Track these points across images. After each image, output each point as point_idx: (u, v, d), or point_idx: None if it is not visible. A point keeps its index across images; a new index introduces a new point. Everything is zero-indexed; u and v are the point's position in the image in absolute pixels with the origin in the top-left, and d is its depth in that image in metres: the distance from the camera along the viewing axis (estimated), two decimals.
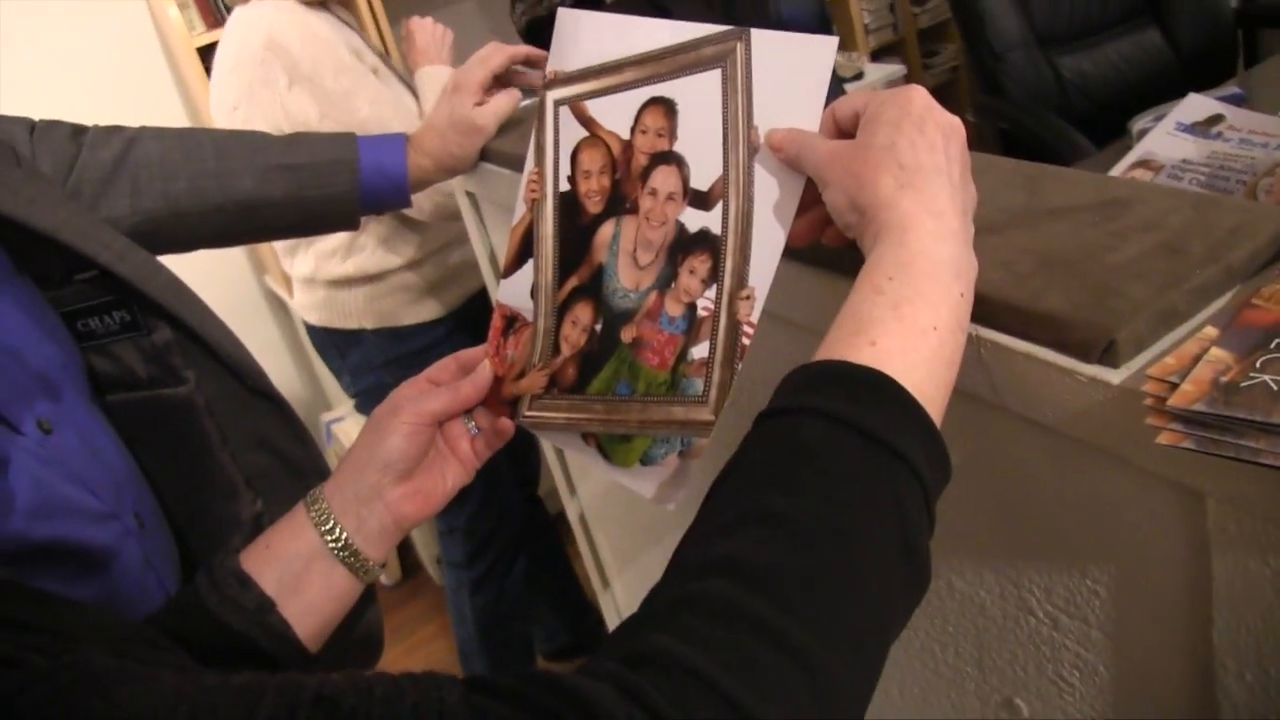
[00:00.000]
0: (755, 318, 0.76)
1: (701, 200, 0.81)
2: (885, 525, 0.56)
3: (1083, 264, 0.69)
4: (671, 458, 0.81)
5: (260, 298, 3.26)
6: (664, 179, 0.83)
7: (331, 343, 1.81)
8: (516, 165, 1.16)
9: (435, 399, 0.88)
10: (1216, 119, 1.67)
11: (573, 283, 0.89)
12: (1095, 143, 2.38)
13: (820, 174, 0.71)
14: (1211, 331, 0.61)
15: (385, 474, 0.85)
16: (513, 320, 0.94)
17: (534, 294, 0.92)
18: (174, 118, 3.04)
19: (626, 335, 0.84)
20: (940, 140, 0.68)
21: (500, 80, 1.21)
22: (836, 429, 0.58)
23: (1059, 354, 0.66)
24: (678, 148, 0.82)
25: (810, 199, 0.75)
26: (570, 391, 0.88)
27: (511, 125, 1.23)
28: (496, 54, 1.19)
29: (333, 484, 0.86)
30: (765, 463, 0.59)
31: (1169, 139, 1.69)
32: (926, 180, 0.66)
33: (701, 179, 0.81)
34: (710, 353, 0.79)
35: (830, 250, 0.77)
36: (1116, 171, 1.64)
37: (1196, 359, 0.59)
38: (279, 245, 1.82)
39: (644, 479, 0.83)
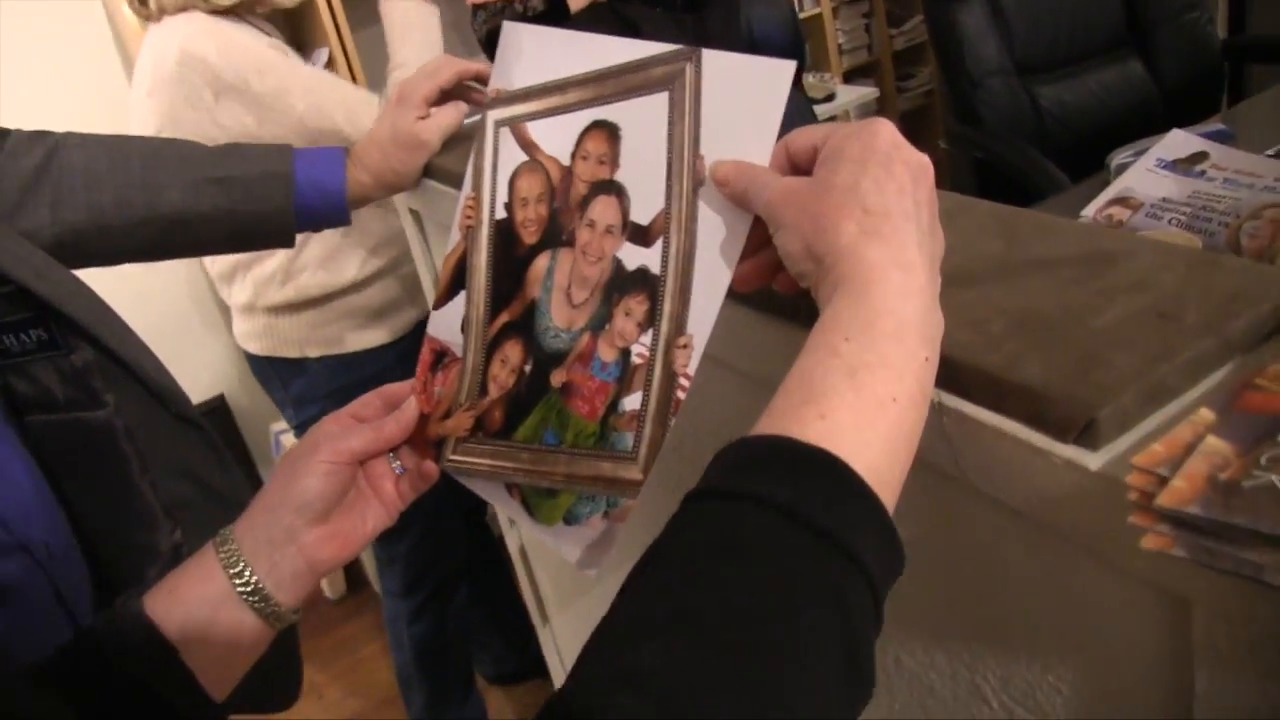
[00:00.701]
0: (692, 369, 0.65)
1: (641, 235, 0.69)
2: (827, 636, 0.45)
3: (1063, 327, 0.58)
4: (596, 518, 0.69)
5: (212, 304, 2.97)
6: (603, 210, 0.72)
7: (274, 372, 1.67)
8: (458, 183, 1.06)
9: (356, 437, 0.77)
10: (1200, 156, 1.55)
11: (504, 318, 0.78)
12: (1072, 176, 2.23)
13: (772, 214, 0.59)
14: (1207, 415, 0.49)
15: (300, 516, 0.74)
16: (442, 355, 0.82)
17: (464, 328, 0.80)
18: (126, 118, 2.82)
19: (556, 379, 0.73)
20: (909, 182, 0.57)
21: (448, 95, 1.09)
22: (776, 521, 0.47)
23: (1032, 430, 0.55)
24: (620, 176, 0.71)
25: (759, 240, 0.64)
26: (496, 436, 0.76)
27: (457, 141, 1.11)
28: (446, 68, 1.07)
29: (244, 524, 0.75)
30: (693, 557, 0.48)
31: (1149, 176, 1.57)
32: (894, 227, 0.54)
33: (642, 212, 0.69)
34: (642, 405, 0.67)
35: (782, 296, 0.65)
36: (1093, 208, 1.53)
37: (1190, 448, 0.48)
38: (214, 273, 1.67)
39: (567, 540, 0.71)
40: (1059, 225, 0.69)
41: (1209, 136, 1.60)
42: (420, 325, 1.68)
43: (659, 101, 0.69)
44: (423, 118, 1.07)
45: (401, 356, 1.67)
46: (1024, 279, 0.64)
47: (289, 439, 2.83)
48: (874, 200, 0.55)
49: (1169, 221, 1.45)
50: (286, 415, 1.75)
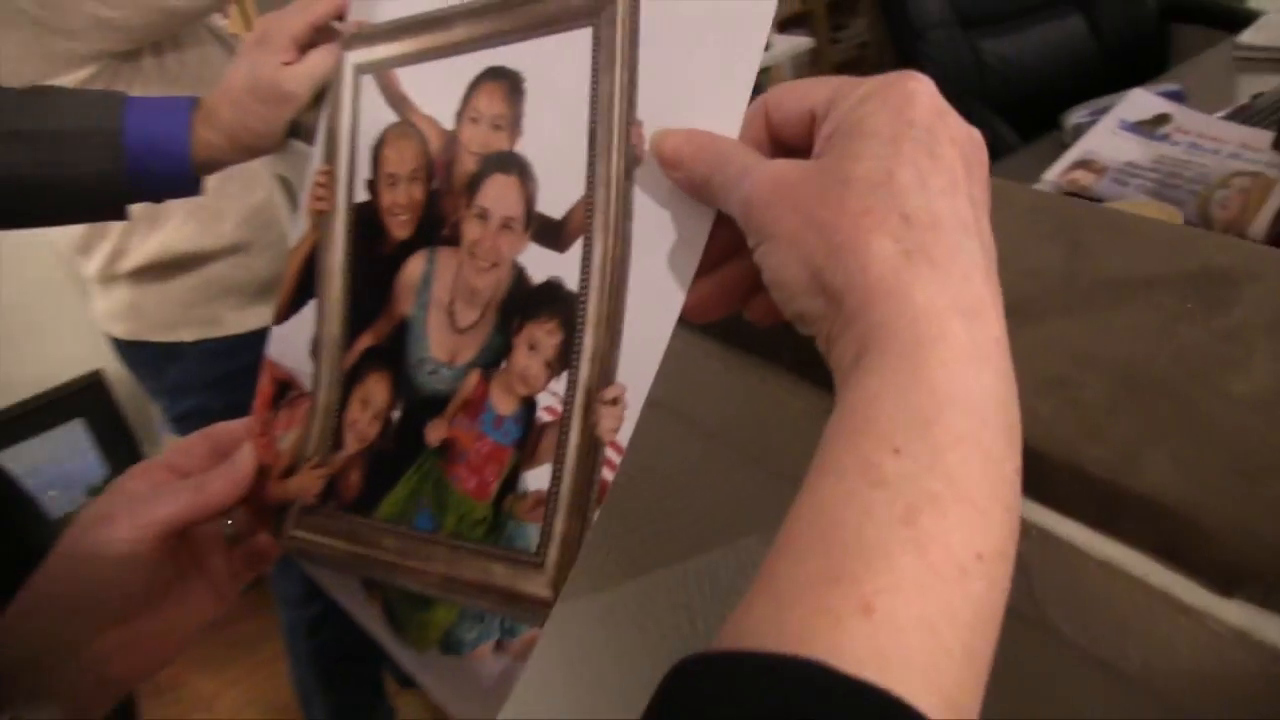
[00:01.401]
0: (624, 436, 0.42)
1: (553, 234, 0.46)
2: None
3: (1189, 392, 0.36)
4: (485, 648, 0.46)
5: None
6: (499, 195, 0.48)
7: (144, 359, 1.38)
8: None
9: (169, 500, 0.53)
10: (1163, 119, 1.41)
11: (366, 342, 0.54)
12: (1019, 135, 2.06)
13: (753, 217, 0.37)
14: None
15: (87, 620, 0.51)
16: (286, 387, 0.58)
17: (315, 352, 0.56)
18: None
19: (434, 435, 0.50)
20: (961, 171, 0.35)
21: (323, 35, 0.83)
22: None
23: (1164, 567, 0.33)
24: (523, 148, 0.48)
25: (725, 247, 0.41)
26: (353, 509, 0.53)
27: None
28: (321, 1, 0.81)
29: (6, 629, 0.52)
30: None
31: (1112, 138, 1.44)
32: (949, 246, 0.32)
33: (555, 200, 0.46)
34: (553, 485, 0.44)
35: (758, 327, 0.43)
36: (1055, 171, 1.38)
37: None
38: (63, 244, 1.36)
39: (443, 677, 0.48)
40: (1136, 225, 0.47)
41: (1164, 96, 1.45)
42: None
43: (579, 41, 0.46)
44: (289, 63, 0.81)
45: None
46: (1108, 310, 0.41)
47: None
48: (917, 202, 0.33)
49: (1135, 188, 1.30)
50: (162, 405, 1.47)
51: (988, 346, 0.31)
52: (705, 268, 0.41)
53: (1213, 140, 1.34)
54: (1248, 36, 1.61)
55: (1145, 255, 0.43)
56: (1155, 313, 0.40)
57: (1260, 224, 1.11)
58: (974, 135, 0.37)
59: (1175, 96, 1.47)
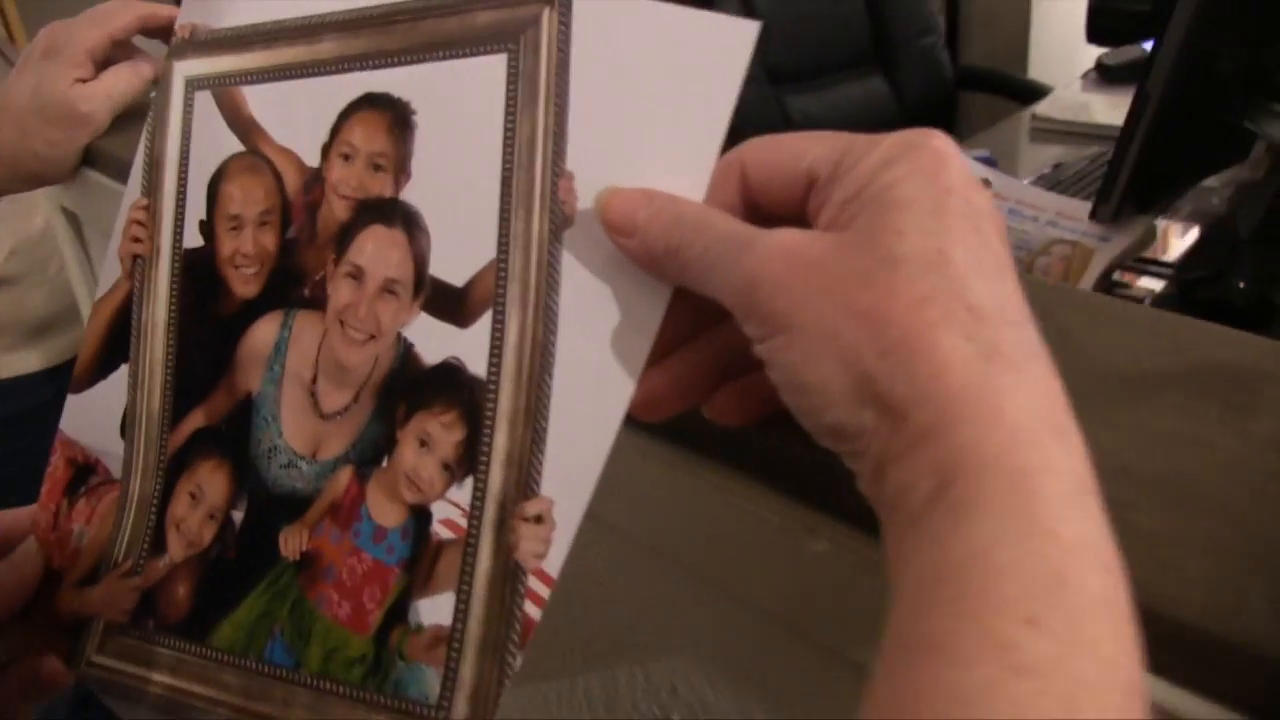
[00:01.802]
0: (555, 564, 0.33)
1: (451, 304, 0.37)
2: None
3: (1261, 518, 0.31)
4: None
5: None
6: (378, 252, 0.38)
7: None
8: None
9: None
10: (984, 184, 1.42)
11: (197, 421, 0.43)
12: None
13: (760, 301, 0.29)
14: None
15: None
16: (86, 471, 0.46)
17: (126, 428, 0.44)
18: None
19: (290, 545, 0.39)
20: (1001, 248, 0.28)
21: (123, 50, 0.70)
22: None
23: None
24: (412, 195, 0.38)
25: (678, 328, 0.33)
26: (178, 633, 0.41)
27: (135, 118, 0.71)
28: (122, 11, 0.68)
29: None
30: None
31: None
32: (1023, 345, 0.26)
33: (453, 263, 0.37)
34: (457, 619, 0.35)
35: (719, 426, 0.35)
36: None
37: None
38: None
39: None
40: (1120, 311, 0.42)
41: (978, 161, 1.48)
42: None
43: (489, 69, 0.37)
44: (83, 80, 0.67)
45: (63, 391, 1.17)
46: (1128, 412, 0.36)
47: None
48: (979, 289, 0.26)
49: None
50: None
51: (1084, 472, 0.24)
52: (656, 354, 0.33)
53: (1031, 207, 1.36)
54: (1043, 109, 1.67)
55: (1143, 347, 0.38)
56: (1184, 418, 0.34)
57: None
58: (992, 203, 0.30)
59: (988, 162, 1.49)
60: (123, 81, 0.69)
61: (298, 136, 0.41)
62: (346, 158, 0.40)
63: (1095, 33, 1.33)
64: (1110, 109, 1.57)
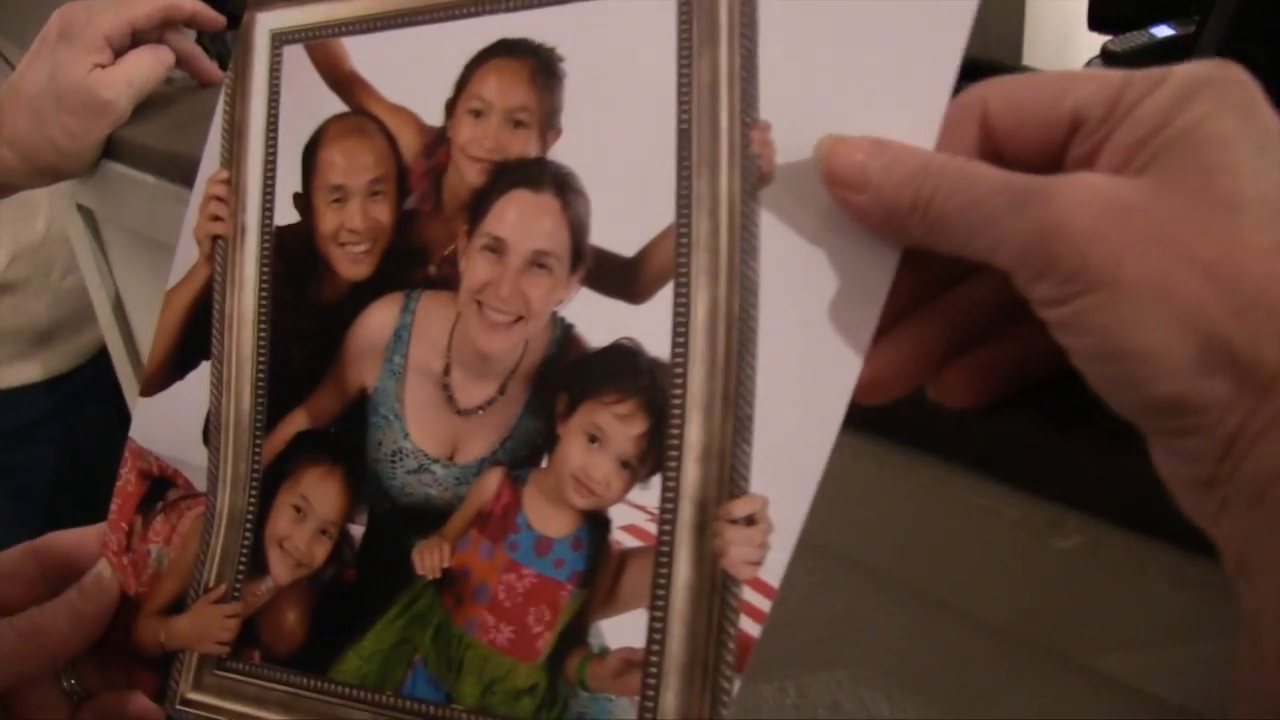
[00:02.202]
0: (775, 573, 0.29)
1: (620, 277, 0.32)
2: None
3: None
4: None
5: None
6: (523, 221, 0.34)
7: None
8: (163, 167, 0.61)
9: None
10: None
11: (298, 423, 0.38)
12: None
13: (1062, 256, 0.24)
14: None
15: None
16: (162, 484, 0.41)
17: (211, 435, 0.39)
18: None
19: (428, 561, 0.34)
20: None
21: (142, 37, 0.65)
22: None
23: None
24: (563, 153, 0.33)
25: (903, 297, 0.29)
26: (291, 665, 0.36)
27: (155, 106, 0.66)
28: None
29: None
30: None
31: None
32: None
33: (621, 230, 0.32)
34: (653, 640, 0.30)
35: (941, 413, 0.31)
36: None
37: None
38: None
39: None
40: None
41: None
42: (95, 357, 1.11)
43: (654, 8, 0.32)
44: (102, 66, 0.62)
45: (65, 403, 1.10)
46: None
47: None
48: None
49: None
50: None
51: None
52: (883, 328, 0.29)
53: None
54: None
55: None
56: None
57: None
58: None
59: None
60: (145, 67, 0.64)
61: (414, 92, 0.36)
62: (477, 114, 0.35)
63: (1098, 19, 1.31)
64: None
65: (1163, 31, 1.17)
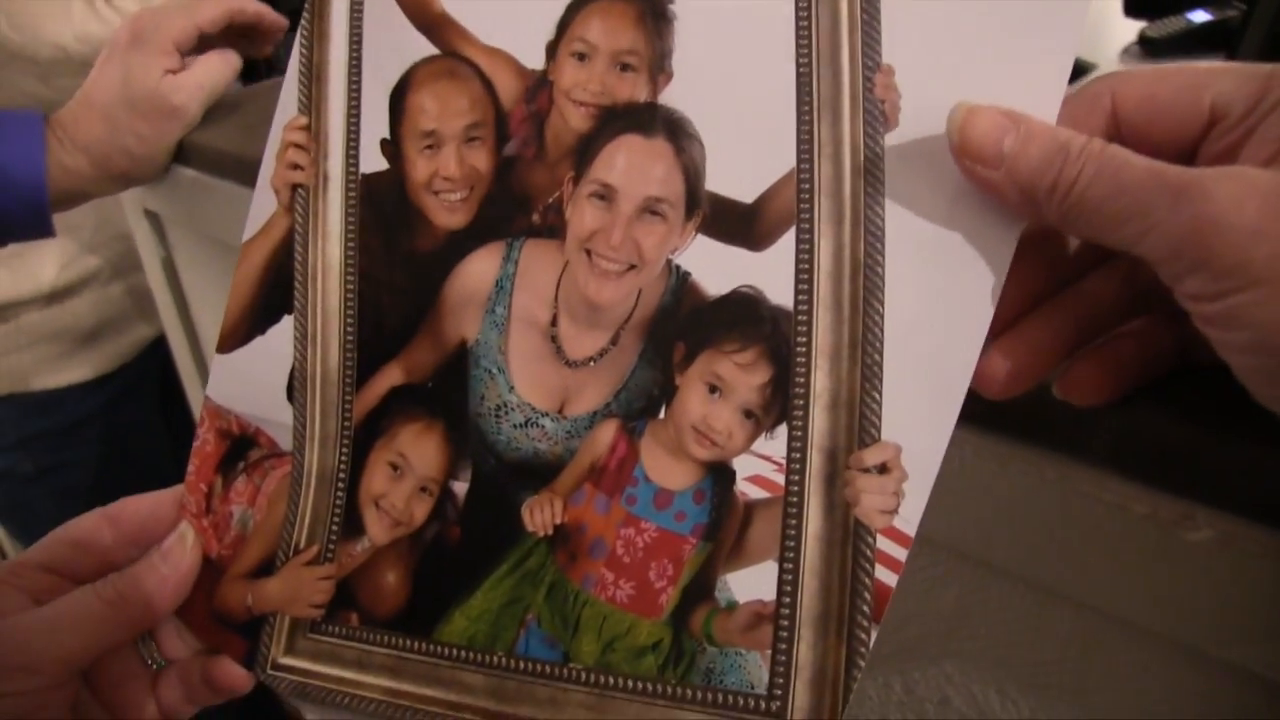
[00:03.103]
0: (910, 520, 0.30)
1: (738, 224, 0.33)
2: None
3: None
4: None
5: None
6: (634, 166, 0.34)
7: None
8: (233, 171, 0.62)
9: (70, 623, 0.36)
10: None
11: (392, 377, 0.38)
12: None
13: (1223, 252, 0.25)
14: None
15: None
16: (244, 443, 0.41)
17: (294, 391, 0.39)
18: None
19: (539, 517, 0.35)
20: None
21: (210, 41, 0.67)
22: None
23: None
24: (673, 97, 0.34)
25: (1028, 289, 0.30)
26: (393, 627, 0.37)
27: (223, 110, 0.67)
28: (211, 1, 0.65)
29: None
30: None
31: None
32: None
33: (738, 176, 0.33)
34: (784, 592, 0.31)
35: (1081, 416, 0.31)
36: None
37: None
38: None
39: None
40: None
41: None
42: (142, 356, 1.11)
43: None
44: (172, 71, 0.63)
45: (114, 399, 1.10)
46: None
47: None
48: None
49: None
50: None
51: None
52: (999, 321, 0.30)
53: None
54: None
55: None
56: None
57: None
58: None
59: None
60: (214, 71, 0.66)
61: (511, 34, 0.36)
62: (582, 57, 0.35)
63: (1134, 5, 1.31)
64: None
65: (1200, 17, 1.17)
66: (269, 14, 0.69)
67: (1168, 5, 1.29)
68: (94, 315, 1.06)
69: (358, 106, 0.38)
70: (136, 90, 0.63)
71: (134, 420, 1.14)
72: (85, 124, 0.64)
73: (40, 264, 1.01)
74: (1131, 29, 1.22)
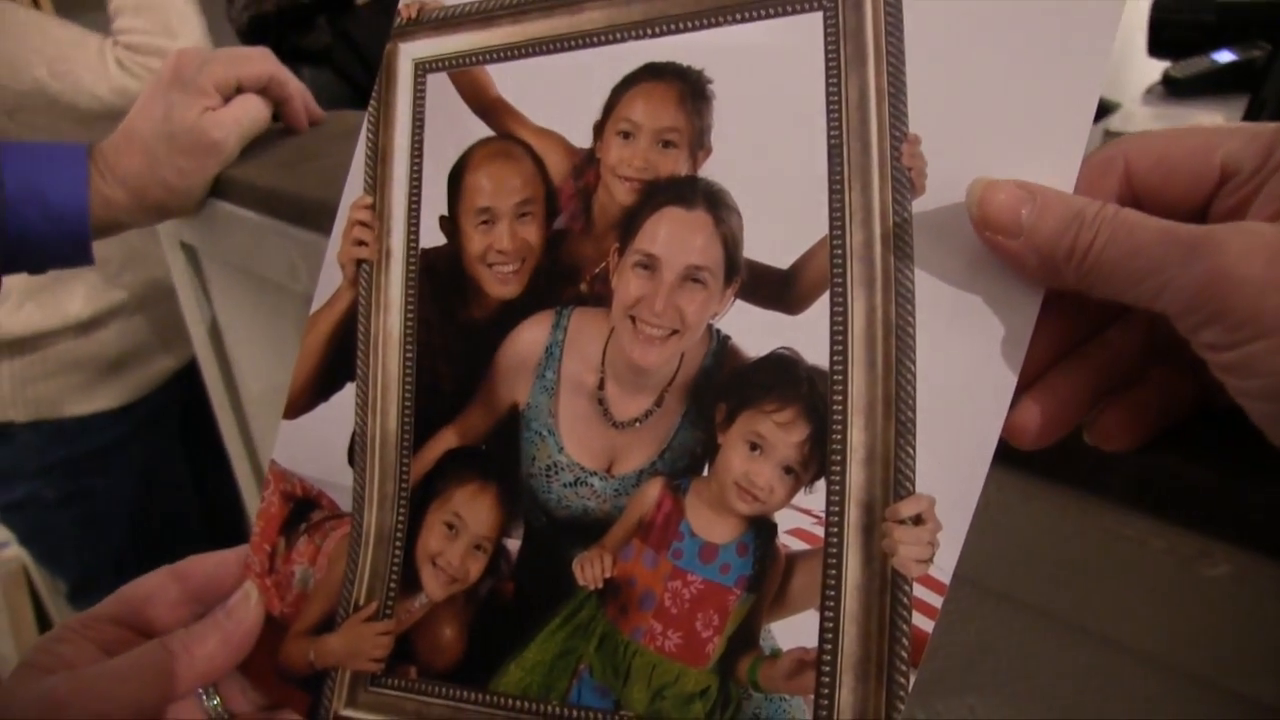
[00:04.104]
0: (945, 569, 0.32)
1: (775, 289, 0.36)
2: None
3: None
4: None
5: None
6: (675, 237, 0.37)
7: None
8: (267, 206, 0.67)
9: (135, 677, 0.40)
10: None
11: (448, 441, 0.41)
12: None
13: (1235, 304, 0.27)
14: None
15: None
16: (306, 505, 0.44)
17: (356, 455, 0.42)
18: None
19: (590, 571, 0.37)
20: None
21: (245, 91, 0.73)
22: None
23: None
24: (713, 171, 0.37)
25: (1054, 341, 0.32)
26: (451, 680, 0.39)
27: (259, 145, 0.73)
28: (259, 61, 0.72)
29: None
30: None
31: None
32: None
33: (775, 244, 0.36)
34: (825, 639, 0.33)
35: (1101, 455, 0.33)
36: None
37: None
38: None
39: None
40: None
41: None
42: (167, 386, 1.18)
43: (801, 30, 0.36)
44: (212, 108, 0.69)
45: (137, 428, 1.17)
46: None
47: None
48: None
49: None
50: None
51: None
52: (1028, 374, 0.32)
53: None
54: (1115, 124, 1.68)
55: None
56: None
57: None
58: None
59: None
60: (253, 109, 0.71)
61: (561, 116, 0.40)
62: (626, 135, 0.38)
63: (1158, 45, 1.34)
64: (1190, 120, 1.59)
65: (1225, 57, 1.20)
66: (298, 104, 0.74)
67: (1192, 45, 1.31)
68: (119, 345, 1.13)
69: (419, 186, 0.42)
70: (177, 125, 0.68)
71: (155, 450, 1.20)
72: (126, 157, 0.68)
73: (69, 296, 1.08)
74: (1156, 69, 1.24)
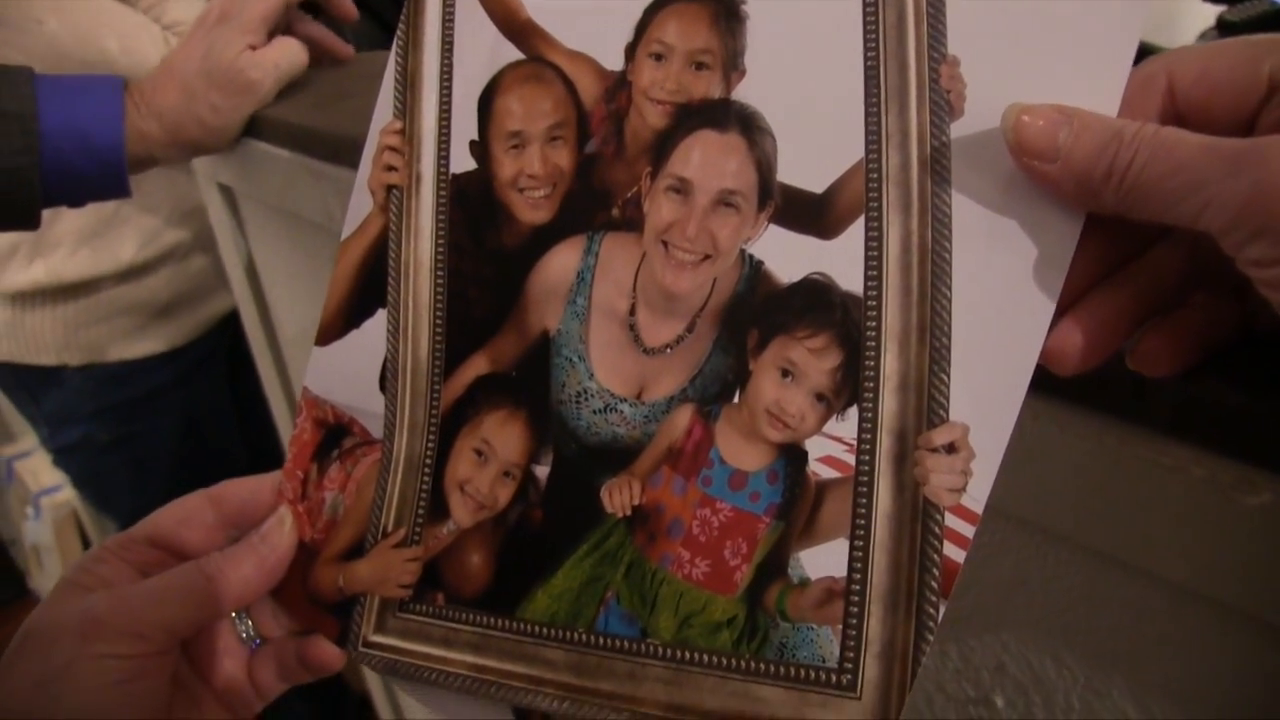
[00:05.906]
0: (978, 498, 0.32)
1: (809, 214, 0.35)
2: None
3: None
4: None
5: None
6: (709, 161, 0.37)
7: (20, 384, 1.22)
8: (303, 144, 0.67)
9: (172, 597, 0.41)
10: None
11: (478, 367, 0.42)
12: None
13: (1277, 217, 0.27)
14: None
15: None
16: (339, 432, 0.45)
17: (387, 382, 0.43)
18: None
19: (618, 499, 0.38)
20: None
21: (290, 29, 0.75)
22: None
23: None
24: (747, 94, 0.37)
25: (1093, 263, 0.32)
26: (478, 606, 0.40)
27: (296, 85, 0.74)
28: None
29: None
30: None
31: None
32: None
33: (809, 167, 0.36)
34: (854, 568, 0.33)
35: (1140, 382, 0.33)
36: None
37: None
38: None
39: None
40: None
41: None
42: (214, 330, 1.21)
43: None
44: (254, 47, 0.70)
45: (186, 372, 1.20)
46: None
47: (25, 466, 2.17)
48: None
49: None
50: (40, 435, 1.27)
51: None
52: (1068, 296, 0.32)
53: None
54: None
55: None
56: None
57: None
58: None
59: None
60: (291, 53, 0.72)
61: (593, 38, 0.40)
62: (659, 58, 0.38)
63: None
64: None
65: None
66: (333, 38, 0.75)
67: None
68: (170, 290, 1.15)
69: (449, 110, 0.42)
70: (215, 63, 0.69)
71: (204, 393, 1.23)
72: (163, 92, 0.70)
73: (121, 242, 1.10)
74: (1210, 13, 1.21)
